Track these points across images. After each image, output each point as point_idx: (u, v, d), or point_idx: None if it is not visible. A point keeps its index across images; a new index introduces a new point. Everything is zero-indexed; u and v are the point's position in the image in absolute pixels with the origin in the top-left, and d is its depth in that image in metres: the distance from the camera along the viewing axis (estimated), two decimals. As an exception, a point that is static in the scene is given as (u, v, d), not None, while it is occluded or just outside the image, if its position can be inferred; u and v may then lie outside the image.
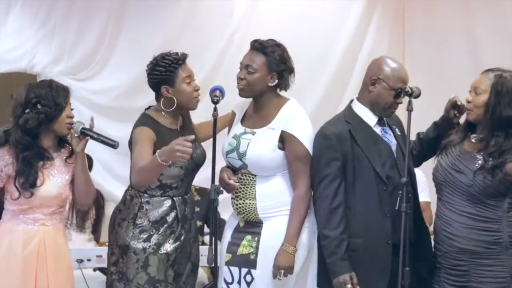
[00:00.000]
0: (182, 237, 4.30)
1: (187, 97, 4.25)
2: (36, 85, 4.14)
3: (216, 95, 4.13)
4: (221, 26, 7.30)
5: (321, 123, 4.24)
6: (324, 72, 7.30)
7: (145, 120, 4.24)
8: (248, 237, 4.19)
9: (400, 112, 4.23)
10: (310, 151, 4.12)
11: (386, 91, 4.10)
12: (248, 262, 4.16)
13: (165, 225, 4.23)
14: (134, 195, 4.24)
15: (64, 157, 4.17)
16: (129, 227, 4.21)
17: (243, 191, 4.20)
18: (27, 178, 4.00)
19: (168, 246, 4.24)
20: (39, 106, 4.02)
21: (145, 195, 4.24)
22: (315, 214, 4.10)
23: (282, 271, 4.06)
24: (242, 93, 4.22)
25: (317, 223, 4.08)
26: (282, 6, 7.33)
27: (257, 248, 4.16)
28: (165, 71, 4.21)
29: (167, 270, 4.25)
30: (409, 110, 4.04)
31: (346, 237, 4.00)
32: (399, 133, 4.26)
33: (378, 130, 4.17)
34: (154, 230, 4.21)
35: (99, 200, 6.53)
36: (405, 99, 4.12)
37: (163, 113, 4.27)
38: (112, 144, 4.03)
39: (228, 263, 4.19)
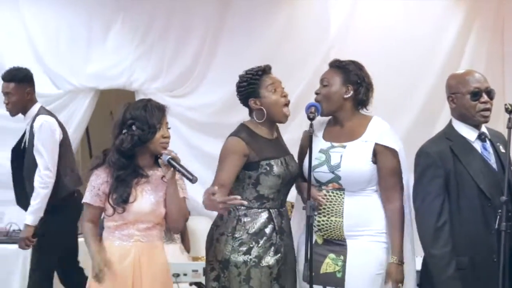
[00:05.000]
0: (282, 249, 4.27)
1: (275, 105, 4.28)
2: (132, 105, 4.19)
3: (312, 111, 4.09)
4: (317, 42, 7.30)
5: (416, 140, 4.24)
6: (421, 88, 7.23)
7: (240, 130, 4.28)
8: (332, 255, 4.18)
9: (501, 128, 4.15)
10: (403, 164, 4.14)
11: (463, 99, 4.08)
12: (334, 281, 4.15)
13: (264, 238, 4.21)
14: (232, 209, 4.23)
15: (161, 176, 4.19)
16: (228, 241, 4.20)
17: (328, 208, 4.18)
18: (121, 194, 4.06)
19: (269, 259, 4.21)
20: (133, 128, 4.08)
21: (242, 207, 4.23)
22: (419, 232, 4.04)
23: (400, 284, 4.09)
24: (321, 108, 4.21)
25: (422, 242, 4.01)
26: (378, 21, 7.30)
27: (343, 266, 4.13)
28: (247, 85, 4.29)
29: (271, 284, 4.22)
30: (509, 127, 3.97)
31: (454, 255, 3.93)
32: (503, 150, 4.18)
33: (478, 145, 4.11)
34: (253, 243, 4.19)
35: None
36: (506, 116, 4.04)
37: (259, 125, 4.31)
38: (190, 178, 4.03)
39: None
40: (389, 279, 4.11)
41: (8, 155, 7.59)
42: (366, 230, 4.14)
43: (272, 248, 4.22)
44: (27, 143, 5.77)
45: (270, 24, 7.40)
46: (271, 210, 4.25)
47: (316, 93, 4.29)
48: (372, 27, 7.28)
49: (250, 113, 4.35)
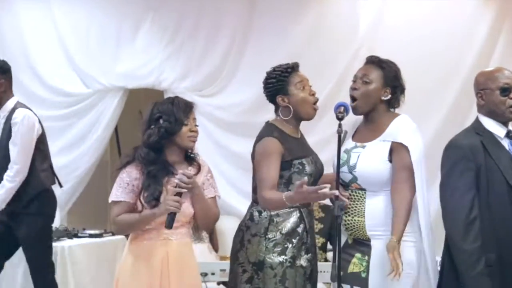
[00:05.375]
0: (313, 249, 4.27)
1: (303, 102, 4.24)
2: (160, 102, 4.22)
3: (341, 111, 4.07)
4: (346, 41, 7.27)
5: (445, 140, 4.17)
6: (450, 88, 7.18)
7: (271, 130, 4.23)
8: (358, 255, 4.14)
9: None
10: (418, 163, 4.06)
11: (492, 94, 4.06)
12: (360, 280, 4.11)
13: (297, 237, 4.19)
14: (263, 209, 4.21)
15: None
16: (261, 242, 4.16)
17: (352, 207, 4.15)
18: (152, 192, 4.04)
19: (302, 259, 4.20)
20: (161, 121, 4.09)
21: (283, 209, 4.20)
22: (449, 227, 3.96)
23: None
24: (355, 105, 4.18)
25: (452, 236, 3.93)
26: (407, 21, 7.26)
27: (367, 267, 4.10)
28: (276, 82, 4.24)
29: (304, 284, 4.20)
30: None
31: (483, 251, 3.88)
32: None
33: (506, 143, 4.07)
34: (288, 243, 4.16)
35: None
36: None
37: (285, 122, 4.27)
38: (167, 223, 3.97)
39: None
40: (392, 253, 3.94)
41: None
42: (390, 230, 4.05)
43: (303, 247, 4.21)
44: None
45: (299, 23, 7.37)
46: (301, 209, 4.22)
47: (354, 88, 4.20)
48: (402, 26, 7.23)
49: (276, 111, 4.32)
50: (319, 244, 6.01)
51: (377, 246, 4.09)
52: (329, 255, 6.09)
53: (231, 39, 7.48)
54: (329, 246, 6.20)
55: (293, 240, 4.17)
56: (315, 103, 4.28)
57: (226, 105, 7.50)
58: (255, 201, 4.25)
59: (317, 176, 4.27)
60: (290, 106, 4.23)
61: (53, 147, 7.53)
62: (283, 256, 4.15)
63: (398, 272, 3.87)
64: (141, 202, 4.07)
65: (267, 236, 4.17)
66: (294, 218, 4.19)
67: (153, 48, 7.58)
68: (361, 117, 4.31)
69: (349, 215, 4.15)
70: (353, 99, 4.20)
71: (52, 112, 7.68)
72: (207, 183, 4.24)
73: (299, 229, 4.20)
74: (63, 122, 7.72)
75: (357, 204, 4.15)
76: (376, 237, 4.10)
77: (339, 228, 3.94)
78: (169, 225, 3.96)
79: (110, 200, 4.14)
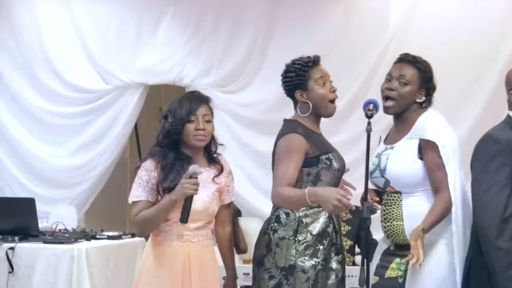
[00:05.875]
0: (342, 250, 4.19)
1: (322, 100, 4.12)
2: (175, 98, 4.17)
3: (370, 109, 3.95)
4: (376, 35, 7.11)
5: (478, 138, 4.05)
6: (484, 85, 6.98)
7: (295, 125, 4.11)
8: (398, 260, 4.04)
9: None
10: (448, 156, 3.97)
11: None
12: (396, 286, 4.02)
13: (328, 238, 4.09)
14: (290, 211, 4.09)
15: (212, 176, 4.13)
16: (290, 245, 4.04)
17: (389, 212, 4.08)
18: (172, 179, 3.97)
19: (332, 261, 4.12)
20: (169, 119, 4.08)
21: (302, 208, 4.08)
22: (482, 224, 3.83)
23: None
24: (390, 105, 4.10)
25: (486, 234, 3.80)
26: (440, 15, 7.08)
27: (405, 271, 4.00)
28: (296, 76, 4.13)
29: (338, 286, 4.13)
30: None
31: None
32: None
33: None
34: (319, 245, 4.06)
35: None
36: None
37: (305, 119, 4.16)
38: (181, 217, 3.93)
39: (374, 286, 4.02)
40: (414, 240, 3.85)
41: (54, 152, 7.62)
42: (430, 232, 3.96)
43: (333, 249, 4.12)
44: None
45: (326, 18, 7.24)
46: None
47: (391, 89, 4.10)
48: (434, 20, 7.03)
49: (295, 106, 4.20)
50: (347, 247, 5.97)
51: None
52: (358, 258, 6.00)
53: (255, 34, 7.38)
54: (357, 250, 6.10)
55: (324, 241, 4.08)
56: (333, 100, 4.16)
57: (250, 102, 7.41)
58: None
59: (342, 169, 4.19)
60: (309, 102, 4.11)
61: (71, 145, 7.75)
62: (315, 259, 4.04)
63: (419, 263, 3.78)
64: (161, 195, 4.00)
65: (297, 239, 4.05)
66: (323, 218, 4.09)
67: (174, 43, 7.51)
68: (392, 120, 4.24)
69: (387, 221, 4.08)
70: (387, 98, 4.11)
71: (71, 109, 7.73)
72: (231, 187, 4.24)
73: (329, 229, 4.10)
74: (81, 119, 7.73)
75: (394, 208, 4.07)
76: None
77: (367, 230, 3.84)
78: (184, 219, 3.90)
79: (130, 201, 4.08)
